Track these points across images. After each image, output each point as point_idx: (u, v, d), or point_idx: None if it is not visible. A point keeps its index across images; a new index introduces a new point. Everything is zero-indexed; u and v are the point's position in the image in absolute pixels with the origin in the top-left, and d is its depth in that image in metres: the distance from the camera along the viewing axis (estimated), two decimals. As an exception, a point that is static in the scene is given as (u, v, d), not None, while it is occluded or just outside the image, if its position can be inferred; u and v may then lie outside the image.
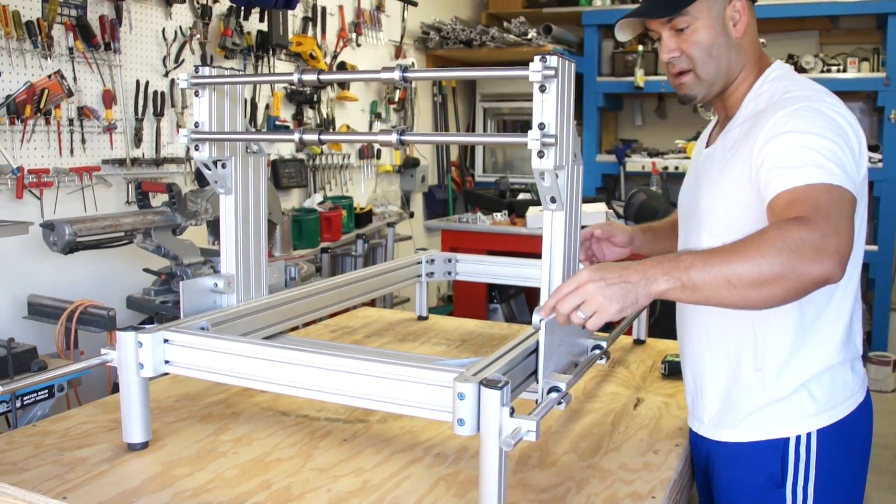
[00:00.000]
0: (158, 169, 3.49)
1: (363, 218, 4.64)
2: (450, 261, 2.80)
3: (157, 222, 2.64)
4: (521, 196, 4.74)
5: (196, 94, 1.77)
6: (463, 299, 4.45)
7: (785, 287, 1.29)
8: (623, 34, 1.72)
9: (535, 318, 1.51)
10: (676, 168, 5.66)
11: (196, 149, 1.77)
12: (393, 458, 1.65)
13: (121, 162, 3.32)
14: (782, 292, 1.29)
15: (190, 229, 2.85)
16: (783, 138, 1.45)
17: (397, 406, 1.43)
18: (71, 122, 3.16)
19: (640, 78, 5.65)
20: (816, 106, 1.49)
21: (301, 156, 4.42)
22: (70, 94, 3.12)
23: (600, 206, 4.14)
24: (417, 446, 1.71)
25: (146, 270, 2.86)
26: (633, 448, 1.76)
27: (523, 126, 6.42)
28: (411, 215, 5.24)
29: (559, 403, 1.46)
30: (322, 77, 1.59)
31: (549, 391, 1.51)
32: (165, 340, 1.61)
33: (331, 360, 1.47)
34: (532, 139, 1.41)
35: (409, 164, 5.39)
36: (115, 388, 2.87)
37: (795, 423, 1.63)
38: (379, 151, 5.08)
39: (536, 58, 1.40)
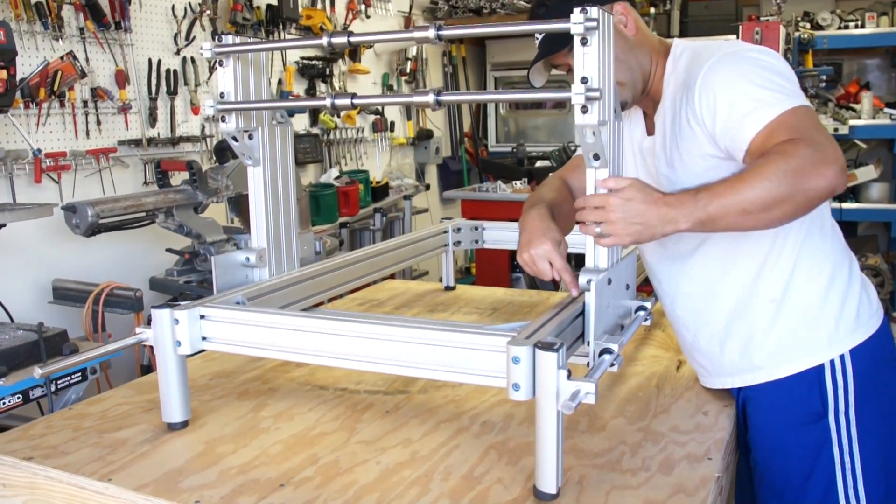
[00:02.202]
0: (174, 148, 3.44)
1: (379, 191, 4.60)
2: (476, 228, 2.76)
3: (179, 201, 2.60)
4: (540, 163, 4.67)
5: (220, 63, 1.72)
6: (485, 269, 4.41)
7: (795, 204, 1.38)
8: (537, 80, 1.75)
9: (583, 278, 1.49)
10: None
11: (222, 120, 1.71)
12: (439, 428, 1.61)
13: (137, 142, 3.28)
14: (793, 209, 1.39)
15: (211, 207, 2.81)
16: (724, 94, 1.50)
17: (448, 373, 1.39)
18: (85, 103, 3.11)
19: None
20: (733, 52, 1.55)
21: (315, 130, 4.36)
22: (83, 74, 3.07)
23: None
24: (462, 415, 1.67)
25: (169, 250, 2.82)
26: (681, 410, 1.72)
27: (534, 94, 6.33)
28: (427, 187, 5.18)
29: (612, 365, 1.43)
30: (353, 39, 1.53)
31: (601, 353, 1.47)
32: (202, 316, 1.57)
33: (378, 328, 1.43)
34: (576, 93, 1.37)
35: (423, 137, 5.33)
36: (144, 370, 2.87)
37: (826, 349, 1.63)
38: (392, 124, 5.02)
39: (576, 9, 1.34)
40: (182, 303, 1.60)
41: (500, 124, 6.22)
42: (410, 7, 5.26)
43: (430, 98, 1.45)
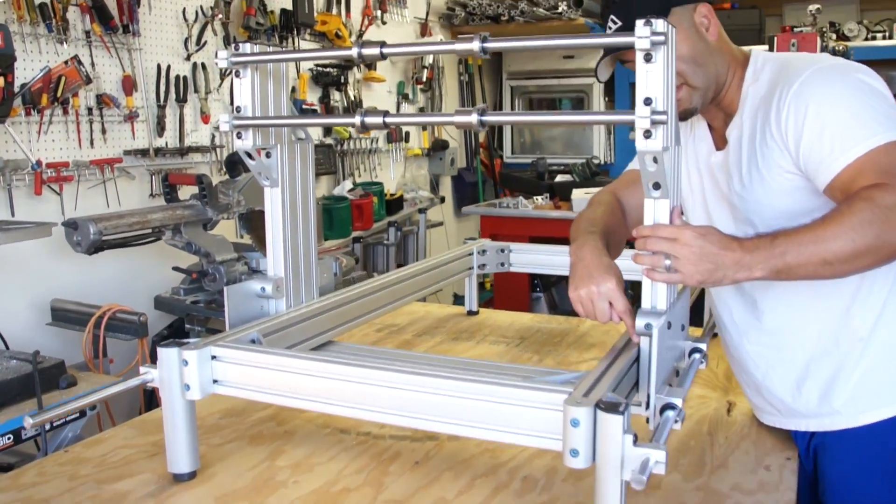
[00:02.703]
0: (183, 159, 3.28)
1: (394, 204, 4.43)
2: (502, 251, 2.59)
3: (187, 217, 2.44)
4: (560, 178, 4.50)
5: (237, 74, 1.56)
6: (504, 288, 4.24)
7: (879, 256, 1.28)
8: (604, 73, 1.62)
9: (640, 322, 1.34)
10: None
11: (238, 136, 1.56)
12: (475, 485, 1.44)
13: (143, 152, 3.12)
14: (876, 261, 1.29)
15: (220, 223, 2.65)
16: (816, 114, 1.39)
17: (493, 432, 1.23)
18: (90, 110, 2.95)
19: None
20: (831, 67, 1.44)
21: (329, 141, 4.20)
22: (88, 80, 2.91)
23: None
24: (500, 468, 1.50)
25: (176, 269, 2.66)
26: (740, 464, 1.56)
27: (549, 105, 6.19)
28: (442, 200, 5.02)
29: (675, 423, 1.27)
30: (385, 50, 1.37)
31: (663, 409, 1.31)
32: (213, 357, 1.41)
33: (412, 378, 1.26)
34: (640, 116, 1.21)
35: (438, 147, 5.17)
36: (149, 400, 2.71)
37: None
38: (407, 134, 4.85)
39: (639, 22, 1.19)
40: (191, 340, 1.43)
41: (515, 135, 6.06)
42: (427, 13, 5.10)
43: (474, 119, 1.29)
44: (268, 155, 1.63)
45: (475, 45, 1.27)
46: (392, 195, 4.49)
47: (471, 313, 2.67)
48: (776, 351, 1.59)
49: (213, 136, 3.47)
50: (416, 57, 4.95)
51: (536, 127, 6.13)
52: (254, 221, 2.67)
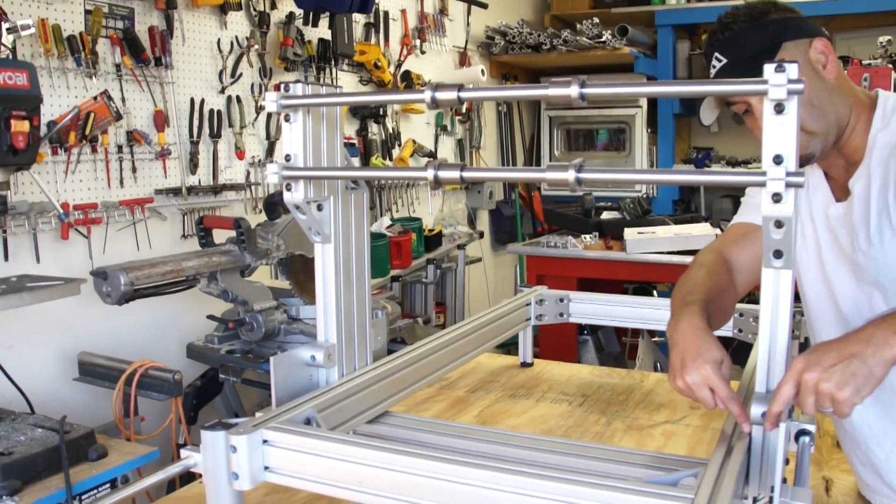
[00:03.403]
0: (216, 197, 3.12)
1: (432, 240, 4.25)
2: (562, 300, 2.41)
3: (224, 264, 2.27)
4: (607, 214, 4.31)
5: (286, 118, 1.39)
6: (550, 329, 4.04)
7: None
8: (708, 117, 1.49)
9: (756, 410, 1.16)
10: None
11: (288, 188, 1.38)
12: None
13: (175, 191, 2.96)
14: None
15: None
16: None
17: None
18: (120, 148, 2.80)
19: (721, 80, 5.17)
20: None
21: (367, 176, 4.04)
22: (118, 116, 2.77)
23: (707, 228, 3.71)
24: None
25: (211, 317, 2.49)
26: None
27: (586, 136, 6.00)
28: (481, 235, 4.84)
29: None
30: (463, 94, 1.20)
31: (788, 514, 1.12)
32: (265, 441, 1.23)
33: (508, 478, 1.07)
34: (773, 179, 1.03)
35: (474, 182, 5.00)
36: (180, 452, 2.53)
37: None
38: (445, 167, 4.68)
39: (769, 66, 1.02)
40: (238, 421, 1.25)
41: (553, 166, 5.88)
42: (466, 42, 4.94)
43: (571, 176, 1.11)
44: (319, 208, 1.45)
45: (573, 91, 1.09)
46: (430, 231, 4.32)
47: (525, 365, 2.49)
48: None
49: (248, 173, 3.31)
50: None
51: (575, 157, 5.95)
52: (293, 266, 2.50)
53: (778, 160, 1.04)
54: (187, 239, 3.02)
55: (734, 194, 5.43)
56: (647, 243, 3.57)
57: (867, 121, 1.41)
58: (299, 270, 2.53)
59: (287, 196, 1.38)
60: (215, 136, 3.16)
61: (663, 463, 1.35)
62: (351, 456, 1.16)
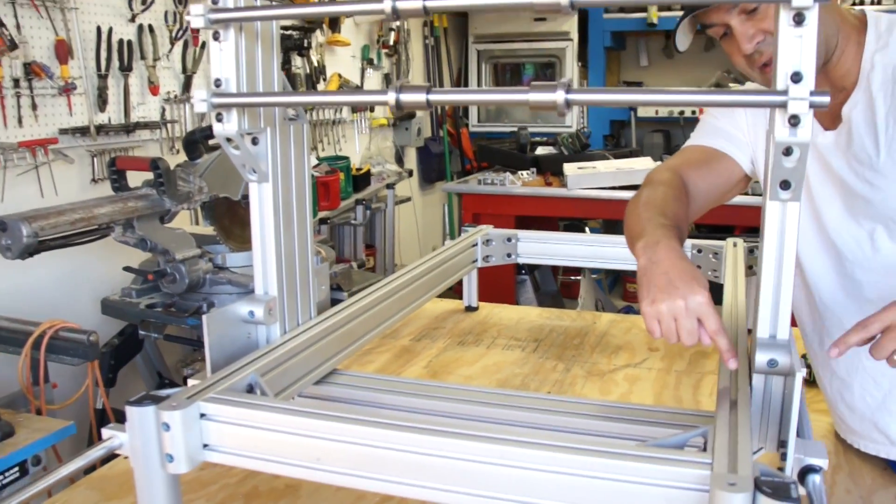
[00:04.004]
0: (129, 137, 2.86)
1: (361, 180, 4.06)
2: (509, 240, 2.26)
3: (141, 210, 2.05)
4: (542, 150, 4.16)
5: (215, 36, 1.18)
6: (487, 270, 3.92)
7: None
8: (683, 42, 1.37)
9: (762, 357, 1.07)
10: (693, 112, 5.12)
11: (219, 119, 1.18)
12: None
13: (83, 131, 2.69)
14: None
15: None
16: None
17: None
18: (16, 82, 2.51)
19: (653, 14, 5.04)
20: None
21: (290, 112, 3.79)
22: (13, 46, 2.47)
23: (649, 162, 3.60)
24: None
25: (128, 269, 2.27)
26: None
27: (513, 70, 5.84)
28: (410, 174, 4.66)
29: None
30: (429, 4, 1.01)
31: (804, 472, 1.01)
32: (202, 415, 1.06)
33: (488, 448, 0.92)
34: (794, 98, 0.90)
35: (405, 117, 4.80)
36: (99, 417, 2.32)
37: None
38: (372, 103, 4.46)
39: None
40: (170, 393, 1.07)
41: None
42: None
43: (559, 97, 0.95)
44: (254, 141, 1.26)
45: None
46: (358, 170, 4.11)
47: (470, 309, 2.35)
48: None
49: (164, 110, 3.04)
50: (379, 19, 4.55)
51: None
52: (218, 210, 2.29)
53: (797, 78, 0.91)
54: (98, 183, 2.76)
55: (665, 129, 5.37)
56: (588, 179, 3.45)
57: (857, 42, 1.28)
58: (224, 215, 2.33)
59: (217, 128, 1.19)
60: (126, 69, 2.87)
61: (654, 417, 1.23)
62: (307, 429, 0.99)
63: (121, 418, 2.05)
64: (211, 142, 2.29)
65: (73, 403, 2.03)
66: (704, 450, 0.99)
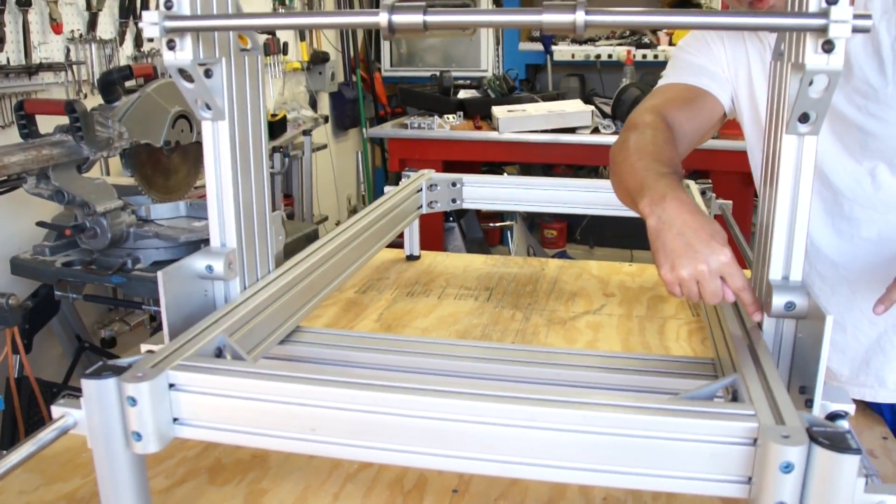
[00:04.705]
0: (31, 80, 2.61)
1: (277, 126, 3.86)
2: (454, 185, 2.16)
3: (57, 158, 1.85)
4: (464, 94, 4.04)
5: (162, -50, 1.02)
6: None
7: None
8: None
9: (779, 300, 1.02)
10: (610, 56, 5.08)
11: (170, 46, 1.03)
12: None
13: (-23, 72, 2.43)
14: None
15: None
16: None
17: (640, 478, 0.83)
18: None
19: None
20: None
21: (203, 55, 3.55)
22: None
23: (580, 105, 3.52)
24: (568, 492, 1.11)
25: (42, 224, 2.06)
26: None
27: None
28: (326, 119, 4.48)
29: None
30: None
31: (831, 419, 0.97)
32: (171, 385, 0.93)
33: (506, 408, 0.83)
34: (836, 21, 0.84)
35: (318, 60, 4.59)
36: (21, 386, 2.12)
37: None
38: (286, 46, 4.24)
39: None
40: (130, 361, 0.94)
41: (394, 46, 5.53)
42: None
43: (579, 17, 0.84)
44: (207, 74, 1.11)
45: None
46: (274, 116, 3.91)
47: (411, 258, 2.25)
48: None
49: (69, 51, 2.78)
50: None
51: (413, 38, 5.63)
52: (139, 158, 2.10)
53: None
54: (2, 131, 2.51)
55: (580, 73, 5.32)
56: (520, 122, 3.35)
57: None
58: (146, 163, 2.14)
59: (169, 57, 1.03)
60: (24, 3, 2.60)
61: (651, 367, 1.17)
62: (301, 397, 0.88)
63: (46, 389, 1.87)
64: (142, 81, 2.09)
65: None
66: (734, 400, 0.93)
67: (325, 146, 4.48)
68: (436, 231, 3.72)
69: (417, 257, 2.26)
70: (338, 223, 5.09)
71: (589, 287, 2.02)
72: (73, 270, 2.08)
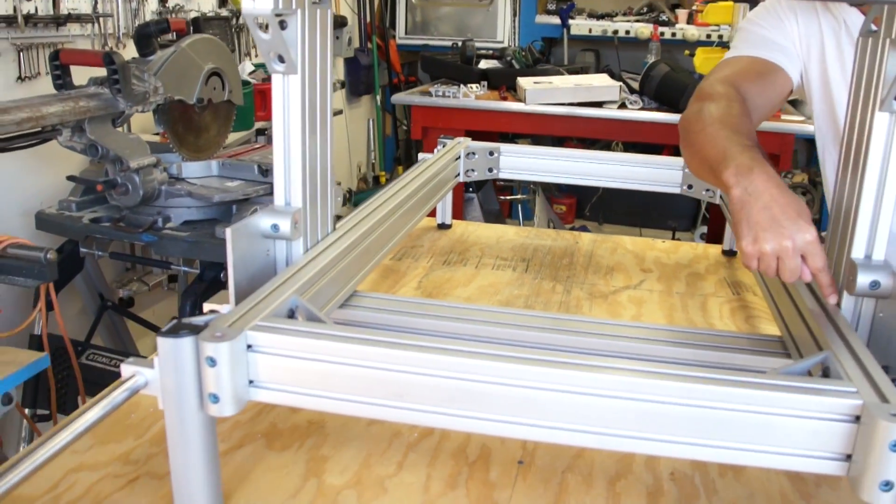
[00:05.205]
0: (58, 31, 2.54)
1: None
2: (491, 154, 2.12)
3: (94, 110, 1.80)
4: (485, 63, 3.98)
5: None
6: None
7: None
8: None
9: (864, 279, 1.01)
10: (627, 32, 5.02)
11: (251, -6, 0.99)
12: (625, 489, 1.02)
13: (8, 20, 2.36)
14: None
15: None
16: None
17: (739, 452, 0.81)
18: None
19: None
20: None
21: (224, 12, 3.48)
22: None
23: (607, 79, 3.47)
24: (634, 465, 1.08)
25: (72, 179, 2.02)
26: None
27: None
28: (342, 85, 4.42)
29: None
30: None
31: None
32: (249, 346, 0.89)
33: (619, 379, 0.81)
34: None
35: (337, 24, 4.51)
36: (34, 344, 2.08)
37: None
38: (305, 7, 4.16)
39: None
40: (206, 320, 0.91)
41: (409, 14, 5.45)
42: None
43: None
44: (282, 25, 1.07)
45: None
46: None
47: (443, 226, 2.21)
48: None
49: (96, 3, 2.72)
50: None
51: (429, 6, 5.56)
52: (172, 114, 2.06)
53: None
54: (25, 82, 2.45)
55: (596, 48, 5.26)
56: (547, 94, 3.30)
57: None
58: (178, 120, 2.10)
59: (248, 6, 0.99)
60: (49, -47, 2.54)
61: (722, 342, 1.14)
62: (390, 362, 0.85)
63: (58, 345, 1.80)
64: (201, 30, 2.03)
65: (23, 330, 1.80)
66: (826, 376, 0.90)
67: (340, 112, 4.43)
68: (456, 201, 3.69)
69: (449, 226, 2.22)
70: (349, 191, 5.05)
71: (626, 262, 1.99)
72: (102, 227, 2.05)
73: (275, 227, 1.13)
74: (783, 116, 3.37)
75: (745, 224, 1.02)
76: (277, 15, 1.04)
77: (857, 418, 0.77)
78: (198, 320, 0.91)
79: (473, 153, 2.09)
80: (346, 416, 1.19)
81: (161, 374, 0.88)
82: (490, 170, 2.13)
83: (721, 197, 1.93)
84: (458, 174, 2.08)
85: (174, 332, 0.87)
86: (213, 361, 0.85)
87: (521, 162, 2.16)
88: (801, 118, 3.47)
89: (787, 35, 1.37)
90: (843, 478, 0.79)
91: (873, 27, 0.98)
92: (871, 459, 0.74)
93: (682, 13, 4.99)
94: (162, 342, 0.86)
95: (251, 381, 0.90)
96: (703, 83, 1.35)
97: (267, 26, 1.03)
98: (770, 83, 1.35)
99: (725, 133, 1.15)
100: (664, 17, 4.96)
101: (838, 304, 1.04)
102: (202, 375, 0.87)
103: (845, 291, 1.04)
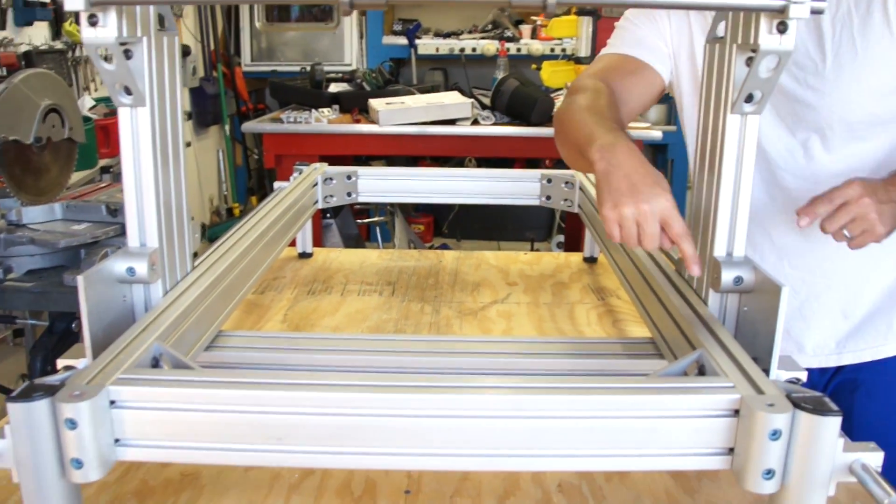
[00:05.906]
0: None
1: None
2: (349, 178, 2.10)
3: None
4: (335, 87, 3.95)
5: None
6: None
7: None
8: None
9: (728, 275, 1.04)
10: (474, 50, 5.12)
11: (92, 22, 0.93)
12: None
13: None
14: None
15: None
16: None
17: (629, 459, 0.82)
18: None
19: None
20: None
21: (59, 45, 3.30)
22: None
23: (459, 97, 3.50)
24: (521, 480, 1.08)
25: None
26: None
27: (282, 8, 5.54)
28: (190, 116, 4.28)
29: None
30: None
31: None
32: (112, 403, 0.83)
33: (504, 398, 0.80)
34: (796, 1, 0.86)
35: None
36: None
37: None
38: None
39: None
40: (61, 379, 0.84)
41: (254, 40, 5.36)
42: None
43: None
44: (127, 55, 1.01)
45: None
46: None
47: (304, 255, 2.17)
48: (824, 277, 1.33)
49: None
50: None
51: (274, 31, 5.49)
52: (7, 156, 1.93)
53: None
54: None
55: (444, 67, 5.35)
56: (401, 114, 3.30)
57: None
58: (14, 162, 1.96)
59: (89, 35, 0.93)
60: None
61: (597, 350, 1.16)
62: (267, 404, 0.81)
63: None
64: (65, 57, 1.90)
65: None
66: (702, 374, 0.93)
67: (188, 144, 4.29)
68: (315, 228, 3.64)
69: (311, 255, 2.18)
70: (203, 225, 4.89)
71: (491, 277, 2.01)
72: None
73: (131, 270, 1.06)
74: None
75: (605, 191, 1.05)
76: (122, 44, 0.98)
77: (737, 412, 0.80)
78: (52, 379, 0.84)
79: (331, 178, 2.06)
80: (222, 465, 1.14)
81: (14, 443, 0.80)
82: (349, 194, 2.11)
83: (579, 206, 1.98)
84: (317, 201, 2.05)
85: (26, 395, 0.80)
86: (73, 423, 0.79)
87: (381, 184, 2.14)
88: (647, 125, 3.62)
89: (660, 33, 1.41)
90: (722, 470, 0.81)
91: (719, 33, 1.02)
92: (753, 450, 0.77)
93: (525, 28, 5.14)
94: (13, 408, 0.79)
95: (117, 440, 0.84)
96: (576, 80, 1.40)
97: (111, 57, 0.97)
98: (639, 80, 1.40)
99: (593, 119, 1.19)
100: (509, 34, 5.09)
101: (704, 301, 1.08)
102: (62, 440, 0.80)
103: (711, 289, 1.07)
